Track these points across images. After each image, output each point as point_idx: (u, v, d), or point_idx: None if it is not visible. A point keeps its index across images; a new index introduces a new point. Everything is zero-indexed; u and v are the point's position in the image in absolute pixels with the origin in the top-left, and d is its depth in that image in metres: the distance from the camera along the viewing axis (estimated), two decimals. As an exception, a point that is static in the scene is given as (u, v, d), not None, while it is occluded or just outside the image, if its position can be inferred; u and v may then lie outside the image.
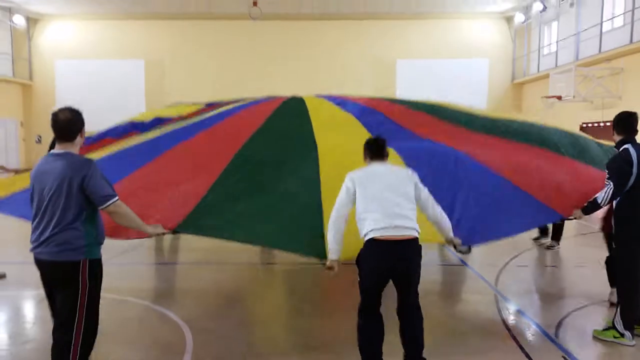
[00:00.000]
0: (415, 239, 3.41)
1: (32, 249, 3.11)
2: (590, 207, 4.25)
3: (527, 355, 3.92)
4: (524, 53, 24.27)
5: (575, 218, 4.42)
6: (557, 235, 7.54)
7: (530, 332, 4.46)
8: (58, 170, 3.02)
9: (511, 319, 4.78)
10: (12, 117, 22.80)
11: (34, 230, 3.12)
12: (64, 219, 3.01)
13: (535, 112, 23.41)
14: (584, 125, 19.71)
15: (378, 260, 3.37)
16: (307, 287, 5.94)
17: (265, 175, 4.38)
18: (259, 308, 5.16)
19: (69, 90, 23.80)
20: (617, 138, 4.35)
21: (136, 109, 23.75)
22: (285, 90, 26.63)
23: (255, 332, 4.61)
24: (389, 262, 3.36)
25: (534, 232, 7.83)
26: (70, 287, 3.06)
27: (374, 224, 3.35)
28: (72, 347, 3.07)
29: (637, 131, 4.39)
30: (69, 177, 3.01)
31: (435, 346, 3.93)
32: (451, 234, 3.70)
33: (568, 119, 20.70)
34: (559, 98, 18.62)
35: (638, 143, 4.27)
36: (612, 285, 5.06)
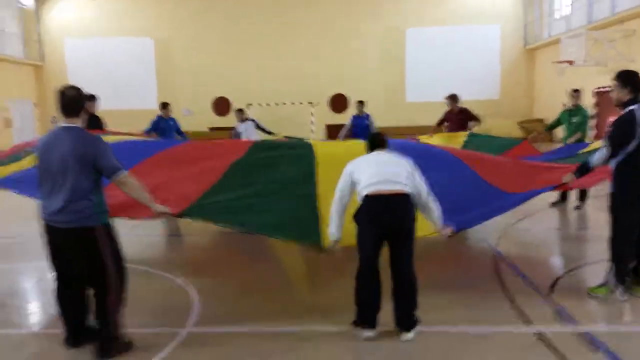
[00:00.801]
0: (408, 195, 3.56)
1: (46, 217, 3.32)
2: (583, 169, 4.32)
3: (522, 316, 4.02)
4: (536, 18, 23.78)
5: (567, 183, 4.45)
6: (583, 195, 7.64)
7: (525, 289, 4.55)
8: (68, 143, 3.24)
9: (508, 277, 4.87)
10: (26, 98, 23.08)
11: (45, 199, 3.33)
12: (77, 189, 3.23)
13: (548, 78, 23.09)
14: (597, 90, 19.42)
15: (372, 214, 3.52)
16: (312, 259, 6.08)
17: (263, 174, 4.90)
18: (265, 276, 5.29)
19: (80, 70, 23.98)
20: (627, 96, 4.25)
21: (147, 87, 24.05)
22: (294, 60, 26.58)
23: (259, 297, 4.77)
24: (383, 215, 3.50)
25: (553, 196, 7.78)
26: (92, 253, 3.32)
27: (368, 181, 3.56)
28: (113, 308, 3.40)
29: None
30: (80, 150, 3.23)
31: (428, 302, 4.08)
32: (440, 222, 3.78)
33: (580, 85, 20.38)
34: (571, 63, 18.31)
35: None
36: None
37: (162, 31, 24.29)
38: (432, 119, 9.67)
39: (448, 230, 3.81)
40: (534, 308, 4.12)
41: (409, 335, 3.63)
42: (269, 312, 4.25)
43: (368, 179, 3.57)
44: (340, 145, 5.56)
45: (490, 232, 6.29)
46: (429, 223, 3.82)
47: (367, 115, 11.08)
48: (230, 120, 23.40)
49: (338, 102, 23.35)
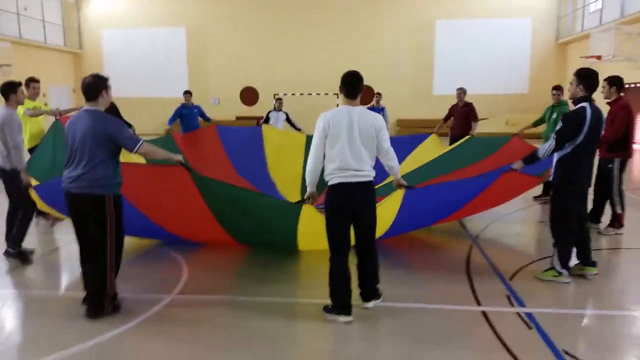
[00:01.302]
0: (370, 182, 3.87)
1: (65, 184, 3.87)
2: (531, 158, 4.62)
3: (475, 296, 4.33)
4: (569, 11, 23.33)
5: (516, 168, 4.73)
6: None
7: (488, 274, 4.85)
8: (87, 122, 3.81)
9: (476, 264, 5.16)
10: (65, 85, 24.23)
11: (66, 168, 3.89)
12: (92, 161, 3.78)
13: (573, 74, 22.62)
14: (628, 85, 19.02)
15: (338, 202, 3.83)
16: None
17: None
18: (257, 256, 5.71)
19: (115, 58, 25.01)
20: (580, 93, 4.54)
21: (178, 76, 24.83)
22: (322, 51, 26.84)
23: (245, 272, 5.20)
24: (348, 202, 3.81)
25: (537, 190, 7.96)
26: (98, 218, 3.82)
27: (335, 171, 3.79)
28: (107, 273, 3.87)
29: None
30: (98, 128, 3.79)
31: (396, 280, 4.46)
32: (399, 175, 4.21)
33: (610, 80, 20.01)
34: (598, 58, 17.99)
35: (594, 104, 4.50)
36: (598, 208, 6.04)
37: (194, 21, 24.99)
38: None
39: (404, 183, 4.29)
40: (489, 290, 4.42)
41: (369, 304, 4.03)
42: (251, 284, 4.69)
43: (335, 171, 3.79)
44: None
45: (474, 224, 6.56)
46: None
47: (383, 108, 11.40)
48: (255, 110, 24.07)
49: (364, 95, 23.51)
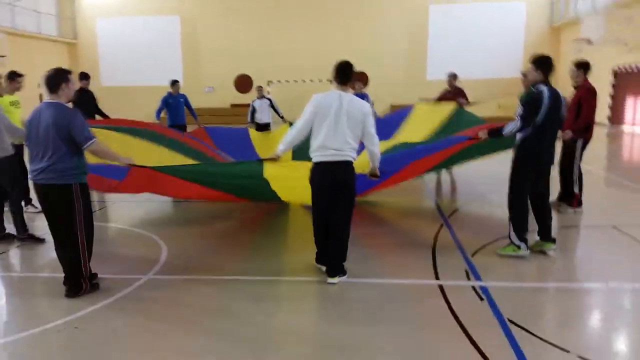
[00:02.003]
0: (350, 162, 4.19)
1: (32, 178, 4.04)
2: (495, 132, 4.89)
3: (435, 271, 4.56)
4: (562, -6, 23.30)
5: (479, 138, 5.06)
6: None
7: (453, 250, 5.09)
8: (49, 115, 3.94)
9: (442, 243, 5.37)
10: (61, 75, 24.36)
11: (32, 162, 4.04)
12: (57, 153, 3.93)
13: (573, 57, 22.65)
14: (618, 68, 19.11)
15: (320, 178, 4.21)
16: (282, 224, 6.70)
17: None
18: (238, 239, 5.94)
19: (110, 48, 25.13)
20: (539, 78, 4.74)
21: (172, 64, 24.92)
22: (316, 37, 26.90)
23: (223, 254, 5.42)
24: (328, 179, 4.17)
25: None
26: (67, 206, 4.01)
27: (319, 149, 4.14)
28: (80, 256, 4.09)
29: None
30: (58, 122, 3.92)
31: (359, 257, 4.69)
32: (377, 164, 4.49)
33: (599, 63, 20.06)
34: (589, 41, 18.07)
35: (552, 86, 4.70)
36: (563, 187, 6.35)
37: (188, 9, 25.05)
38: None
39: (376, 173, 4.58)
40: (450, 266, 4.65)
41: (334, 279, 4.29)
42: (228, 264, 4.92)
43: (319, 149, 4.14)
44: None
45: (449, 205, 6.77)
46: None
47: (366, 95, 11.54)
48: (250, 97, 23.85)
49: (357, 80, 23.64)
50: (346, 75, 4.21)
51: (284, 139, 4.42)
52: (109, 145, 4.37)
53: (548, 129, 4.70)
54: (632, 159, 12.63)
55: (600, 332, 3.52)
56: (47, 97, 4.04)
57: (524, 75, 8.15)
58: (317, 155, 4.18)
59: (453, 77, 9.47)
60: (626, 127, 18.61)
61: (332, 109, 4.10)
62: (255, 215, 6.87)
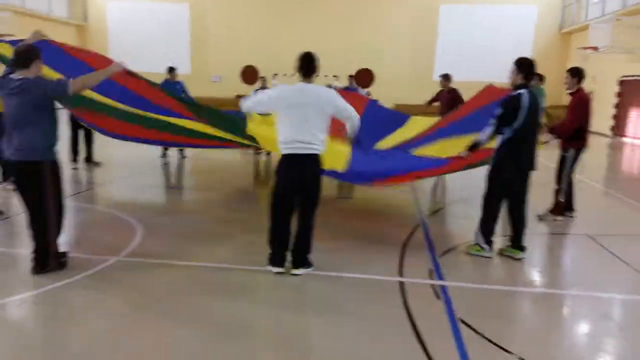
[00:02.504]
0: (317, 155, 4.20)
1: (7, 154, 4.09)
2: (474, 146, 4.86)
3: (400, 268, 4.59)
4: (573, 0, 23.10)
5: (462, 156, 5.00)
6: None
7: (422, 249, 5.11)
8: (17, 90, 3.96)
9: (415, 241, 5.39)
10: (69, 57, 24.51)
11: (6, 138, 4.08)
12: (28, 128, 3.98)
13: (582, 64, 22.50)
14: (624, 78, 18.94)
15: (285, 172, 4.21)
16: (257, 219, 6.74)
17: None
18: (215, 228, 6.01)
19: (120, 31, 25.24)
20: (519, 81, 4.74)
21: (181, 52, 25.00)
22: (323, 35, 26.85)
23: (195, 241, 5.48)
24: (295, 172, 4.17)
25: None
26: (37, 183, 4.06)
27: (286, 142, 4.16)
28: (48, 230, 4.15)
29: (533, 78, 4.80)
30: (31, 92, 3.96)
31: (329, 251, 4.73)
32: (355, 130, 4.52)
33: (606, 72, 19.92)
34: (595, 49, 17.93)
35: (531, 90, 4.70)
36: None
37: (199, -4, 25.09)
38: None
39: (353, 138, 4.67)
40: (416, 264, 4.67)
41: (298, 271, 4.33)
42: (195, 252, 4.97)
43: (285, 141, 4.15)
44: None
45: (428, 204, 6.78)
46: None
47: (357, 88, 11.59)
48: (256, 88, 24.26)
49: (363, 77, 23.61)
50: (309, 67, 4.20)
51: (245, 102, 4.42)
52: (85, 76, 4.22)
53: (527, 133, 4.69)
54: (626, 171, 12.55)
55: (544, 336, 3.53)
56: (16, 73, 4.03)
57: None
58: (285, 148, 4.19)
59: (445, 77, 9.56)
60: (628, 139, 18.47)
61: (297, 101, 4.09)
62: (231, 209, 6.93)
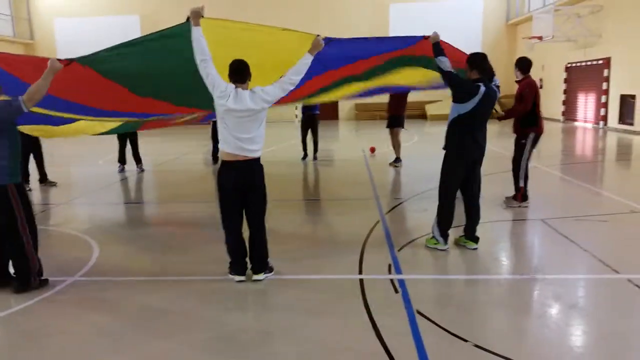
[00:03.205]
0: (257, 159, 4.20)
1: None
2: (438, 47, 4.97)
3: (360, 266, 4.68)
4: (518, -8, 23.84)
5: (431, 37, 5.06)
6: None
7: (382, 244, 5.23)
8: None
9: (374, 237, 5.50)
10: (17, 76, 23.80)
11: None
12: None
13: (527, 54, 23.22)
14: (569, 65, 19.66)
15: (227, 178, 4.18)
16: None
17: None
18: (170, 241, 5.97)
19: (69, 48, 24.53)
20: (474, 76, 4.83)
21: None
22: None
23: (151, 256, 5.43)
24: (237, 177, 4.15)
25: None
26: (5, 207, 4.07)
27: (227, 147, 4.13)
28: (25, 250, 4.18)
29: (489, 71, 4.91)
30: None
31: (288, 253, 4.77)
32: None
33: (553, 60, 20.63)
34: (540, 39, 18.56)
35: (489, 84, 4.82)
36: (515, 183, 6.55)
37: (148, 8, 24.76)
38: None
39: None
40: (375, 260, 4.77)
41: (259, 276, 4.35)
42: (153, 266, 4.94)
43: (225, 148, 4.14)
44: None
45: (388, 201, 6.90)
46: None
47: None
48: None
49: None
50: (242, 73, 4.15)
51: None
52: (33, 86, 3.98)
53: (474, 122, 4.83)
54: (578, 155, 13.03)
55: (500, 322, 3.65)
56: None
57: None
58: (224, 155, 4.18)
59: None
60: (578, 123, 19.17)
61: (235, 108, 4.04)
62: (189, 220, 6.90)
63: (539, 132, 6.57)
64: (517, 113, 6.50)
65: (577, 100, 19.33)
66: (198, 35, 4.12)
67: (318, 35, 4.45)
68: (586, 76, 18.49)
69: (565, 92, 20.11)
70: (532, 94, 6.42)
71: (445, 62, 4.86)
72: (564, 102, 20.18)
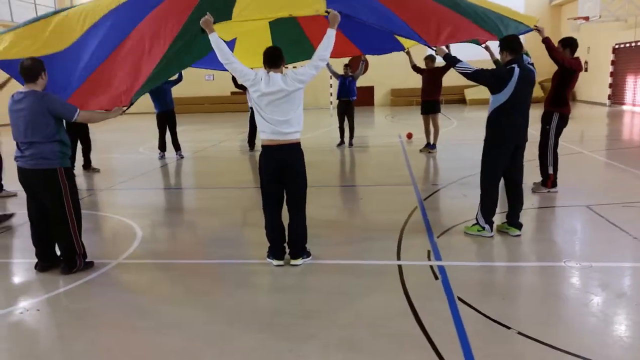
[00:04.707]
0: (297, 143, 4.22)
1: (20, 163, 4.25)
2: (450, 57, 4.77)
3: (399, 247, 4.64)
4: (563, -29, 22.93)
5: (437, 52, 4.83)
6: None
7: (421, 231, 5.16)
8: (30, 103, 4.14)
9: (413, 223, 5.44)
10: None
11: (18, 148, 4.27)
12: (42, 138, 4.14)
13: (573, 35, 22.32)
14: (617, 45, 18.86)
15: (268, 162, 4.23)
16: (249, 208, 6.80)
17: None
18: (209, 227, 6.06)
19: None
20: (507, 58, 4.74)
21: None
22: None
23: (193, 240, 5.54)
24: (277, 161, 4.19)
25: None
26: (53, 189, 4.24)
27: (264, 134, 4.19)
28: (71, 233, 4.35)
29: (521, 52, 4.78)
30: (41, 107, 4.12)
31: (328, 239, 4.77)
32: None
33: (600, 41, 19.81)
34: (586, 19, 17.83)
35: (523, 66, 4.67)
36: (540, 168, 6.35)
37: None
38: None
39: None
40: (414, 246, 4.72)
41: (297, 262, 4.38)
42: (194, 250, 5.03)
43: (264, 134, 4.19)
44: None
45: (428, 187, 6.80)
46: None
47: (352, 76, 11.59)
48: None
49: (356, 64, 23.54)
50: (277, 59, 4.19)
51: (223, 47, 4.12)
52: (92, 112, 4.49)
53: (514, 107, 4.70)
54: (625, 140, 12.52)
55: (544, 310, 3.54)
56: (25, 87, 4.21)
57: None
58: (264, 139, 4.21)
59: (430, 59, 9.78)
60: (627, 107, 18.41)
61: (270, 91, 4.07)
62: (227, 205, 6.98)
63: (565, 113, 6.33)
64: (557, 54, 6.09)
65: (626, 83, 18.54)
66: (216, 40, 4.12)
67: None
68: (636, 57, 17.70)
69: (612, 74, 19.31)
70: (575, 69, 6.19)
71: (465, 66, 4.72)
72: (611, 85, 19.40)
